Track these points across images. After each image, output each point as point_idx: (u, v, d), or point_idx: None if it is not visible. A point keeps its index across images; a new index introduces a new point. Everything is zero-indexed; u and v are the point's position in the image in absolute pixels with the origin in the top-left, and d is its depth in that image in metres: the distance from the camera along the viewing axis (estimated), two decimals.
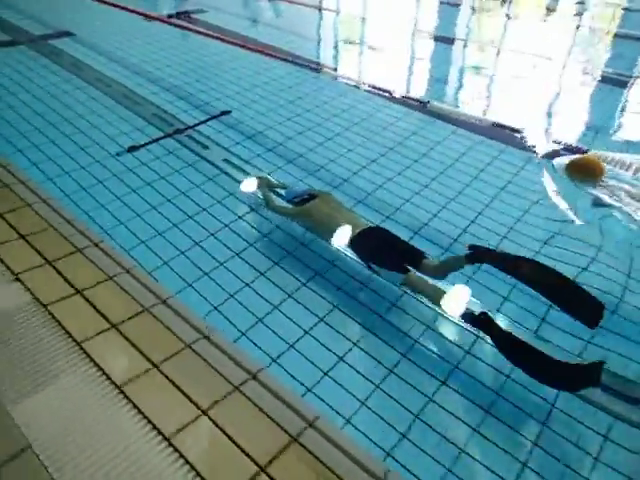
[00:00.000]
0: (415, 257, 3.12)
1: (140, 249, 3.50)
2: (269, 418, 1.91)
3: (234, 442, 1.81)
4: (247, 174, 4.31)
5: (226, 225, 3.81)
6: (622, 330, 3.03)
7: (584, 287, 2.76)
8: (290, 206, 3.78)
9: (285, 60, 7.19)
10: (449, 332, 3.05)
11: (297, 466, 1.76)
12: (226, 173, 4.41)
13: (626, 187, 4.37)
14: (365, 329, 3.02)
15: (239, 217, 3.91)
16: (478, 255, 2.90)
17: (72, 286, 2.37)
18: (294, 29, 8.89)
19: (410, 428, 2.46)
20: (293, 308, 3.13)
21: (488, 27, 10.24)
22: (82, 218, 3.47)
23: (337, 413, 2.50)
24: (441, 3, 11.32)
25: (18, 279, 2.39)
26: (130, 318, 2.28)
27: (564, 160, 4.79)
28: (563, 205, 4.21)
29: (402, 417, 2.51)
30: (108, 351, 2.14)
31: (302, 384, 2.62)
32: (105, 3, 9.41)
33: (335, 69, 7.21)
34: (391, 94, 6.30)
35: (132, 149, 4.59)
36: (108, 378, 2.01)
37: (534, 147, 5.15)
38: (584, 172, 4.59)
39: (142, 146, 4.67)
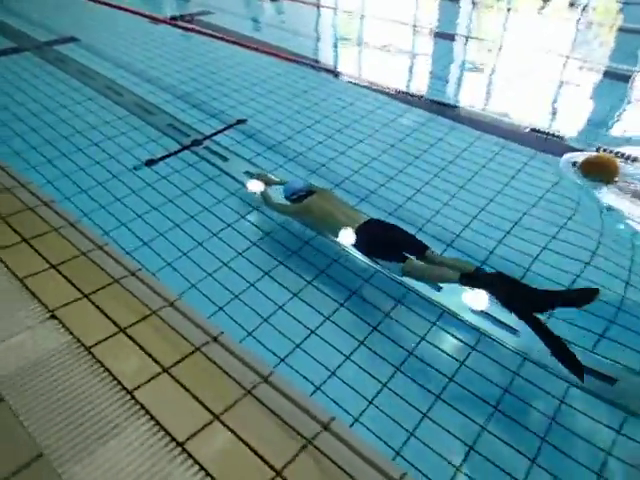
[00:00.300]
0: (418, 248, 3.13)
1: (166, 271, 3.35)
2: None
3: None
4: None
5: (254, 243, 3.65)
6: None
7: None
8: (288, 203, 3.70)
9: (298, 62, 7.01)
10: (456, 330, 3.06)
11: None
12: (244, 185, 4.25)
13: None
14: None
15: (266, 234, 3.76)
16: (472, 281, 2.88)
17: (157, 363, 2.21)
18: (305, 30, 8.71)
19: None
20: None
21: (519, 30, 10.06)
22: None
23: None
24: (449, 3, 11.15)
25: (54, 316, 2.24)
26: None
27: (578, 158, 4.70)
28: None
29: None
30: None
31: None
32: (109, 6, 9.21)
33: (348, 72, 7.02)
34: (420, 98, 6.16)
35: (150, 163, 4.42)
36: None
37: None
38: (600, 170, 4.50)
39: (160, 159, 4.50)
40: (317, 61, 7.31)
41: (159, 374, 2.03)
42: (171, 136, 4.95)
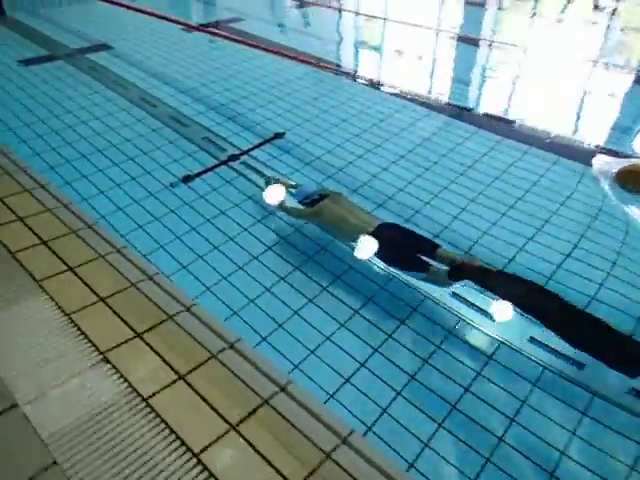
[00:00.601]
0: (429, 248, 3.16)
1: (207, 296, 3.21)
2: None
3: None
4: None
5: (297, 268, 3.48)
6: None
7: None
8: (302, 207, 3.70)
9: (335, 72, 6.84)
10: (472, 338, 3.03)
11: None
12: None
13: None
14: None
15: (309, 257, 3.59)
16: (458, 272, 2.99)
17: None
18: (332, 36, 8.55)
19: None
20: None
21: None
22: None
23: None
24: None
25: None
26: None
27: (610, 166, 4.56)
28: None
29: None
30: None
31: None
32: (143, 13, 9.17)
33: (387, 82, 6.82)
34: (469, 110, 5.98)
35: (187, 179, 4.29)
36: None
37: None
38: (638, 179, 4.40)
39: (197, 175, 4.36)
40: (339, 65, 7.15)
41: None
42: (207, 150, 4.82)
